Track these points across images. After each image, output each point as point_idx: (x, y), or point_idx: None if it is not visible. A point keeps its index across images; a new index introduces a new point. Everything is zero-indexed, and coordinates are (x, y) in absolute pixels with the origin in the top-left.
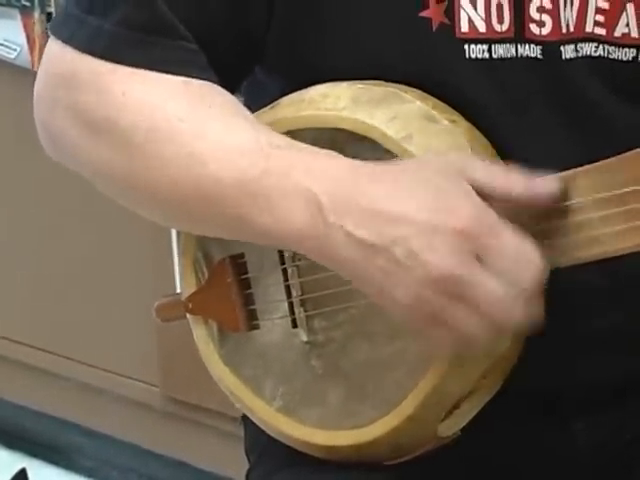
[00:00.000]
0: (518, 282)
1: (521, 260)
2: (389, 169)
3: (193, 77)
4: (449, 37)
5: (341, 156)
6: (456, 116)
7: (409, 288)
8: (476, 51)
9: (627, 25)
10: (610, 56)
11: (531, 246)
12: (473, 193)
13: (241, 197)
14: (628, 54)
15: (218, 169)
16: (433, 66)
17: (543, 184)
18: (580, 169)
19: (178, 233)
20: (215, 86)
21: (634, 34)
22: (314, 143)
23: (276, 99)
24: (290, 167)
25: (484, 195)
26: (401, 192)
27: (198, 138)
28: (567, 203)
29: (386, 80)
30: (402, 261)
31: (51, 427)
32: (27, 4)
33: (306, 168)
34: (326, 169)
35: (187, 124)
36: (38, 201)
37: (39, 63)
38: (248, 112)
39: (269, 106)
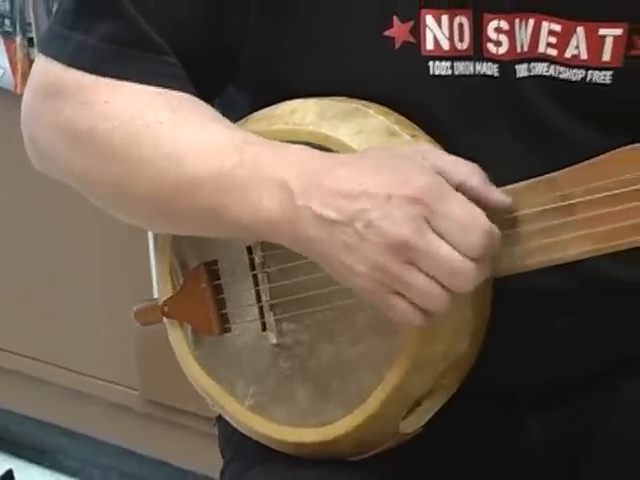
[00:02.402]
0: (467, 244)
1: (469, 224)
2: (353, 156)
3: (172, 88)
4: (413, 55)
5: (309, 148)
6: (417, 131)
7: (368, 258)
8: (440, 68)
9: (577, 47)
10: (560, 76)
11: (479, 211)
12: (427, 166)
13: (217, 190)
14: (577, 74)
15: (195, 166)
16: (396, 83)
17: (495, 193)
18: (531, 181)
19: (155, 241)
20: (192, 96)
21: (583, 56)
22: None
23: (246, 115)
24: (262, 159)
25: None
26: (361, 172)
27: (176, 139)
28: (518, 213)
29: (352, 96)
30: (362, 232)
31: (36, 430)
32: (9, 29)
33: (277, 159)
34: (296, 159)
35: (165, 126)
36: (18, 208)
37: (22, 86)
38: (223, 117)
39: (241, 120)
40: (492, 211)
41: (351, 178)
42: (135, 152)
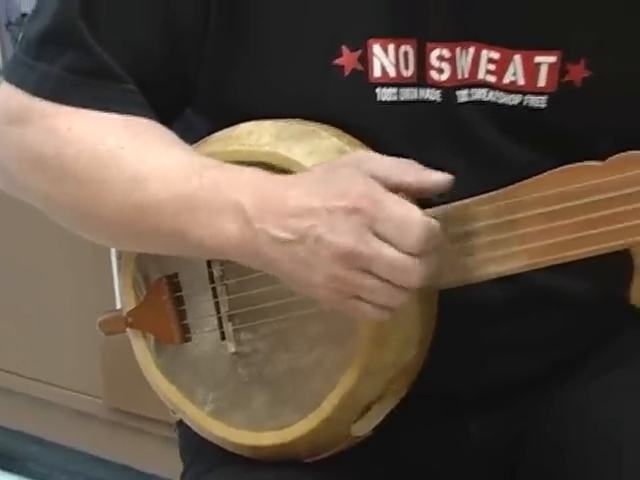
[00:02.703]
0: (407, 242)
1: (406, 223)
2: (300, 176)
3: (132, 114)
4: (361, 82)
5: (262, 171)
6: (367, 151)
7: (323, 270)
8: (386, 94)
9: (514, 74)
10: (499, 101)
11: (415, 209)
12: (363, 175)
13: (179, 213)
14: (514, 99)
15: (157, 189)
16: (345, 109)
17: (434, 175)
18: (476, 198)
19: (118, 256)
20: (152, 121)
21: (520, 82)
22: None
23: (203, 137)
24: (220, 183)
25: (386, 184)
26: (307, 191)
27: (138, 162)
28: (465, 228)
29: (306, 120)
30: (313, 248)
31: (6, 438)
32: None
33: (234, 183)
34: (250, 183)
35: (127, 151)
36: None
37: None
38: (182, 141)
39: (200, 141)
40: (442, 226)
41: (299, 198)
42: (98, 176)
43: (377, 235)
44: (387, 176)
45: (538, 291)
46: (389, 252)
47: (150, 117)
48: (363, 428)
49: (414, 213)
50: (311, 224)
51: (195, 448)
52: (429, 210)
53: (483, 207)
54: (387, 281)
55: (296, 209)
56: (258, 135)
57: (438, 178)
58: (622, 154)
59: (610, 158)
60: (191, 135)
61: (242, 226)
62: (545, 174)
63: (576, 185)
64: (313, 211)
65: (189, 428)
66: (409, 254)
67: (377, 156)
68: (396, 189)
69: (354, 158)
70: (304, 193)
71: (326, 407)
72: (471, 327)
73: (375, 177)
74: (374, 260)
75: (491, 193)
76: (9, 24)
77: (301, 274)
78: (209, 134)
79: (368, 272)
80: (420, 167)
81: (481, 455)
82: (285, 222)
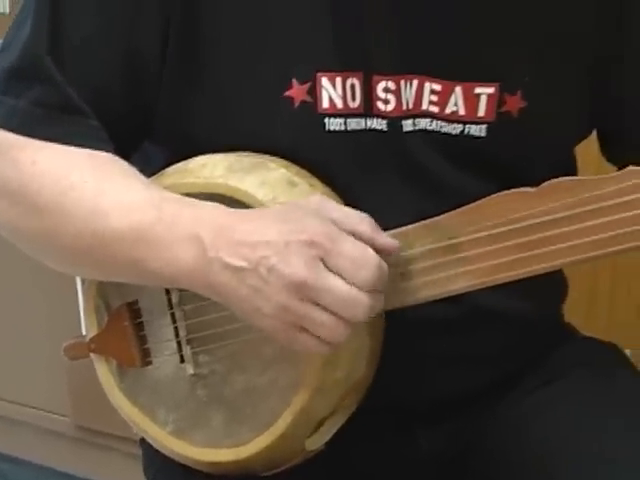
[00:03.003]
0: (360, 279)
1: (361, 260)
2: (256, 211)
3: (95, 148)
4: (311, 113)
5: (219, 205)
6: (315, 180)
7: (273, 300)
8: (334, 124)
9: (455, 104)
10: (442, 130)
11: (369, 249)
12: (321, 214)
13: (137, 244)
14: (456, 128)
15: (117, 221)
16: (296, 138)
17: (385, 238)
18: (420, 223)
19: (82, 284)
20: (114, 156)
21: (461, 112)
22: None
23: (161, 169)
24: (178, 216)
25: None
26: (264, 225)
27: (100, 196)
28: (410, 252)
29: (257, 151)
30: (265, 277)
31: None
32: None
33: (192, 217)
34: (208, 216)
35: (90, 184)
36: None
37: None
38: (141, 175)
39: (157, 175)
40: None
41: (254, 230)
42: (60, 208)
43: (330, 269)
44: (343, 222)
45: (481, 310)
46: (340, 285)
47: (112, 151)
48: (316, 442)
49: (369, 251)
50: (265, 254)
51: (158, 464)
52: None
53: (425, 232)
54: (335, 314)
55: (252, 240)
56: (212, 168)
57: (388, 242)
58: (553, 180)
59: (542, 185)
60: (148, 167)
61: (196, 256)
62: (484, 200)
63: (512, 210)
64: (269, 242)
65: (152, 445)
66: (360, 289)
67: (334, 203)
68: (351, 234)
69: (314, 202)
70: (262, 226)
71: (281, 424)
72: (417, 344)
73: (332, 220)
74: (325, 292)
75: (434, 218)
76: None
77: (251, 302)
78: (166, 165)
79: (317, 304)
80: (374, 224)
81: (429, 466)
82: (239, 250)
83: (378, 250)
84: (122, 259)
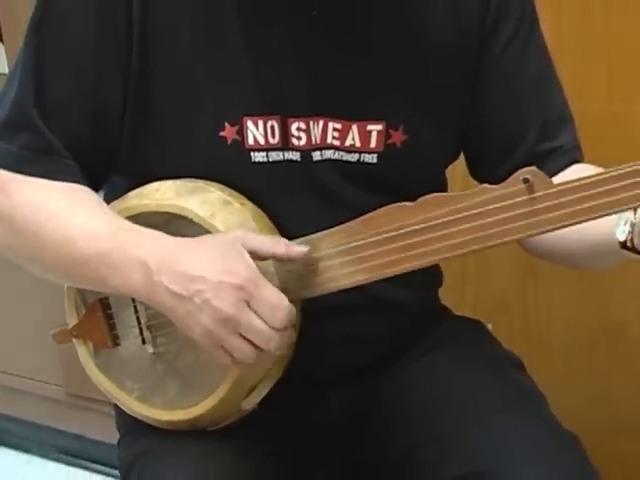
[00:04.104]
0: (274, 320)
1: (276, 306)
2: (194, 241)
3: (70, 182)
4: (240, 148)
5: (163, 234)
6: (245, 200)
7: (204, 325)
8: (258, 157)
9: (353, 138)
10: (343, 159)
11: (282, 297)
12: (247, 257)
13: (99, 266)
14: (354, 157)
15: (84, 247)
16: (229, 168)
17: (295, 248)
18: (327, 231)
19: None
20: (85, 188)
21: (357, 144)
22: (151, 223)
23: (123, 193)
24: (130, 243)
25: (258, 255)
26: (200, 258)
27: (70, 225)
28: (319, 254)
29: (199, 178)
30: (200, 306)
31: None
32: None
33: (140, 244)
34: (153, 244)
35: (63, 215)
36: None
37: None
38: (105, 205)
39: (120, 198)
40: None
41: (194, 264)
42: (41, 233)
43: (252, 310)
44: (262, 249)
45: (374, 299)
46: (259, 324)
47: (84, 184)
48: (250, 403)
49: (283, 300)
50: (201, 288)
51: (127, 423)
52: (296, 240)
53: (331, 238)
54: (251, 343)
55: (191, 273)
56: (163, 191)
57: (299, 250)
58: (428, 196)
59: (419, 199)
60: (113, 191)
61: (144, 278)
62: (375, 212)
63: (397, 220)
64: (205, 279)
65: (122, 408)
66: (272, 327)
67: (253, 234)
68: (269, 257)
69: (238, 237)
70: (200, 261)
71: (221, 390)
72: (325, 326)
73: (253, 250)
74: (246, 327)
75: (337, 227)
76: None
77: (185, 322)
78: (127, 190)
79: (238, 334)
80: (287, 242)
81: (339, 421)
82: (180, 281)
83: (292, 259)
84: (89, 277)
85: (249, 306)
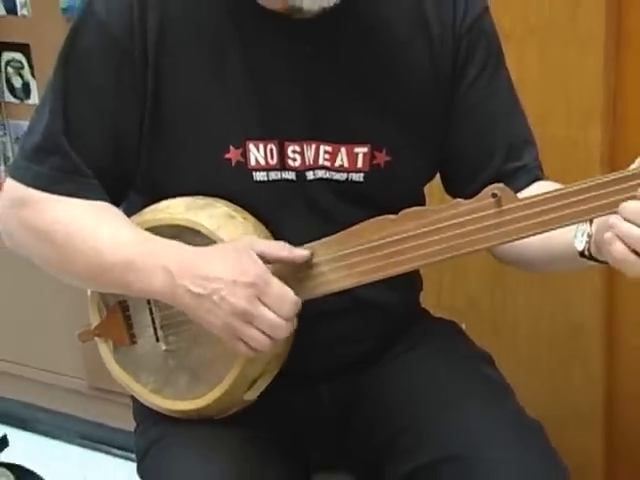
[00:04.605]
0: (282, 311)
1: (283, 299)
2: (209, 248)
3: (94, 199)
4: (243, 169)
5: (181, 243)
6: (247, 214)
7: (222, 319)
8: (259, 176)
9: (342, 159)
10: (333, 178)
11: (289, 290)
12: (256, 258)
13: (125, 272)
14: (343, 176)
15: (111, 256)
16: (234, 187)
17: (297, 251)
18: (322, 240)
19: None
20: (108, 205)
21: (346, 165)
22: (165, 234)
23: (139, 209)
24: (153, 252)
25: (265, 258)
26: (215, 262)
27: (97, 237)
28: (315, 260)
29: (207, 195)
30: (218, 303)
31: (21, 408)
32: None
33: (161, 253)
34: (173, 252)
35: (90, 229)
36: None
37: None
38: (128, 219)
39: (137, 213)
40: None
41: (211, 267)
42: (71, 246)
43: (263, 303)
44: (270, 252)
45: (361, 301)
46: (269, 315)
47: (107, 201)
48: (251, 395)
49: (289, 293)
50: (218, 287)
51: (143, 412)
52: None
53: (325, 247)
54: (264, 332)
55: (209, 275)
56: (175, 207)
57: (301, 253)
58: (407, 210)
59: (400, 212)
60: (130, 207)
61: (167, 281)
62: (362, 223)
63: (381, 230)
64: (221, 279)
65: (138, 399)
66: (281, 318)
67: (261, 240)
68: (276, 261)
69: (248, 242)
70: (216, 264)
71: (226, 383)
72: (318, 328)
73: (262, 253)
74: (258, 319)
75: (330, 237)
76: (17, 139)
77: (205, 318)
78: (143, 207)
79: (252, 325)
80: (290, 246)
81: (330, 411)
82: (199, 282)
83: (295, 261)
84: (116, 282)
85: (260, 300)
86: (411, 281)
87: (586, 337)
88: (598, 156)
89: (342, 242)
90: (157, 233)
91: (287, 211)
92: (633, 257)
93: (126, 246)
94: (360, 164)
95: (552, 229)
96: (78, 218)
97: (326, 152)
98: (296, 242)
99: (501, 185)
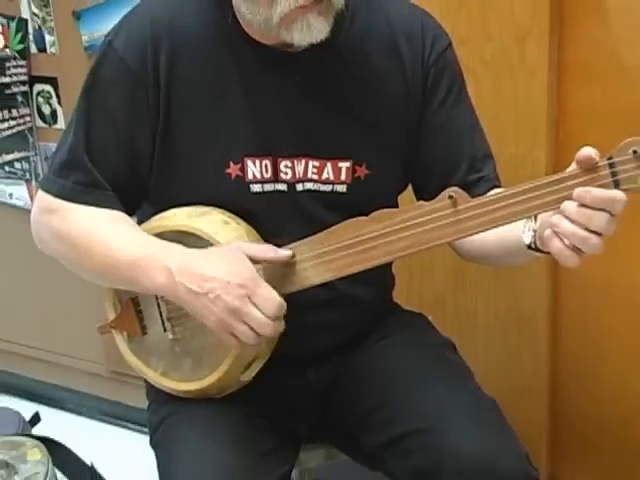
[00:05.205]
0: (269, 311)
1: (271, 300)
2: (205, 251)
3: (111, 209)
4: (242, 182)
5: (182, 246)
6: (240, 221)
7: (217, 315)
8: (255, 188)
9: (328, 173)
10: (320, 189)
11: (275, 294)
12: (247, 261)
13: (133, 270)
14: (328, 188)
15: (122, 256)
16: (232, 197)
17: (282, 252)
18: (304, 240)
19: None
20: (122, 214)
21: (331, 178)
22: (170, 238)
23: (150, 217)
24: (156, 253)
25: (254, 260)
26: (210, 264)
27: (112, 240)
28: (298, 258)
29: (208, 206)
30: (213, 300)
31: (48, 388)
32: (28, 178)
33: (164, 254)
34: (174, 254)
35: (108, 232)
36: (33, 266)
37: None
38: (137, 226)
39: (146, 221)
40: (284, 261)
41: (207, 268)
42: (90, 247)
43: (252, 303)
44: (257, 254)
45: (342, 294)
46: (257, 314)
47: (122, 211)
48: (247, 376)
49: (276, 296)
50: (213, 286)
51: (154, 393)
52: (284, 247)
53: (305, 246)
54: (252, 329)
55: (205, 274)
56: (178, 215)
57: (285, 253)
58: (377, 211)
59: (371, 214)
60: (142, 215)
61: (169, 279)
62: (338, 225)
63: (356, 230)
64: (216, 279)
65: (149, 381)
66: (268, 317)
67: (250, 244)
68: (264, 261)
69: (238, 246)
70: (212, 265)
71: (224, 366)
72: (305, 317)
73: (251, 255)
74: (248, 317)
75: (309, 237)
76: (46, 158)
77: (202, 313)
78: (152, 215)
79: (243, 322)
80: (275, 248)
81: (316, 391)
82: (196, 281)
83: (280, 261)
84: (125, 279)
85: (250, 300)
86: (385, 278)
87: (534, 325)
88: (543, 171)
89: (321, 241)
90: (163, 238)
91: (280, 218)
92: (568, 252)
93: (135, 248)
94: (343, 177)
95: (501, 224)
96: (96, 224)
97: (314, 167)
98: (287, 244)
99: (456, 188)
